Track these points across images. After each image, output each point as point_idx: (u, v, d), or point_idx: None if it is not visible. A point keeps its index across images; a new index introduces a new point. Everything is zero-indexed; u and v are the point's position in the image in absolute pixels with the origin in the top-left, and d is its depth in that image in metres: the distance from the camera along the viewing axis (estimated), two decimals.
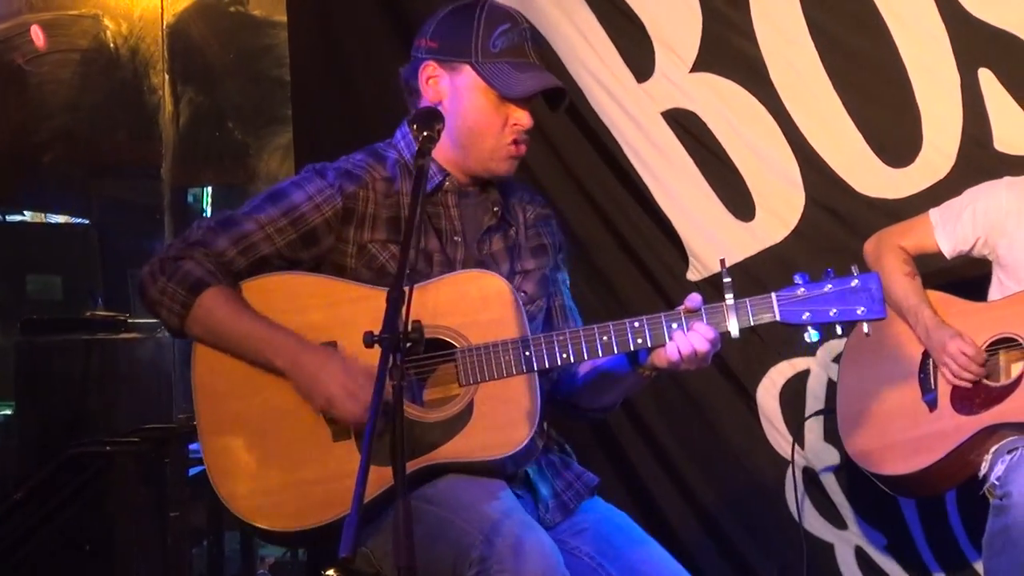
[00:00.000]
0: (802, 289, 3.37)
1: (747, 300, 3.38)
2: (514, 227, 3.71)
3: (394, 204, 3.56)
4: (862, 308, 3.36)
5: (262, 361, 3.40)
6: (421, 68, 3.58)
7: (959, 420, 4.38)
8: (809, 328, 3.36)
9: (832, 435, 5.11)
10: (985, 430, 4.33)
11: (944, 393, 4.45)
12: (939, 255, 4.66)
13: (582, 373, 3.71)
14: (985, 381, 4.39)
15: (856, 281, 3.37)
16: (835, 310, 3.35)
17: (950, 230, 4.59)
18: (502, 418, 3.38)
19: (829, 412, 5.02)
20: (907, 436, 4.47)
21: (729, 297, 3.37)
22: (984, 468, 4.31)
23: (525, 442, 3.35)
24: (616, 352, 3.42)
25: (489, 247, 3.65)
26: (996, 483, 4.20)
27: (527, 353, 3.38)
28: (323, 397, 3.34)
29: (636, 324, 3.39)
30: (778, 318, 3.37)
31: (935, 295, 4.59)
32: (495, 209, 3.65)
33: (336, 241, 3.53)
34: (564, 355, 3.39)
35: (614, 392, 3.74)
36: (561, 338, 3.40)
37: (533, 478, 3.54)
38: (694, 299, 3.41)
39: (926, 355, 4.52)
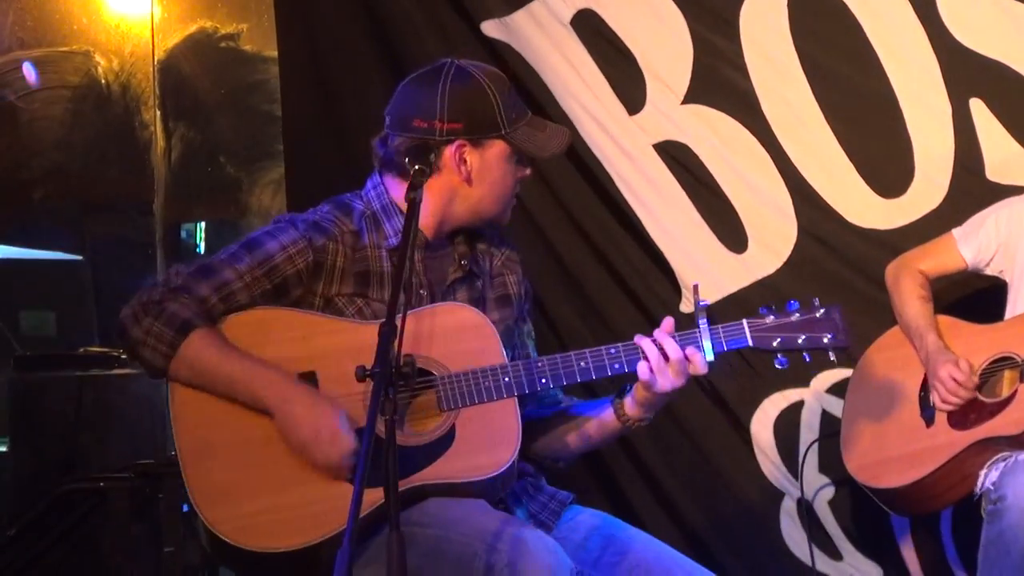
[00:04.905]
0: (771, 317, 3.50)
1: (719, 327, 3.49)
2: (480, 279, 3.72)
3: (362, 258, 3.57)
4: (827, 336, 3.50)
5: (250, 398, 3.40)
6: (452, 150, 3.55)
7: (953, 435, 4.39)
8: (779, 355, 3.50)
9: (826, 466, 5.11)
10: (978, 444, 4.33)
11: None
12: (960, 274, 4.72)
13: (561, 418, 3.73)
14: (981, 398, 4.40)
15: (821, 311, 3.51)
16: (803, 337, 3.50)
17: (973, 238, 4.63)
18: (484, 441, 3.42)
19: (828, 437, 5.02)
20: (904, 451, 4.49)
21: (703, 323, 3.47)
22: (979, 483, 4.31)
23: (508, 463, 3.40)
24: (594, 377, 3.49)
25: (453, 298, 3.66)
26: (991, 488, 4.21)
27: (506, 379, 3.44)
28: (309, 433, 3.34)
29: (612, 350, 3.49)
30: (750, 343, 3.51)
31: (945, 320, 4.61)
32: (463, 263, 3.68)
33: (304, 292, 3.55)
34: (543, 380, 3.47)
35: (584, 442, 3.73)
36: (540, 364, 3.48)
37: (509, 504, 3.55)
38: (668, 322, 3.51)
39: None
